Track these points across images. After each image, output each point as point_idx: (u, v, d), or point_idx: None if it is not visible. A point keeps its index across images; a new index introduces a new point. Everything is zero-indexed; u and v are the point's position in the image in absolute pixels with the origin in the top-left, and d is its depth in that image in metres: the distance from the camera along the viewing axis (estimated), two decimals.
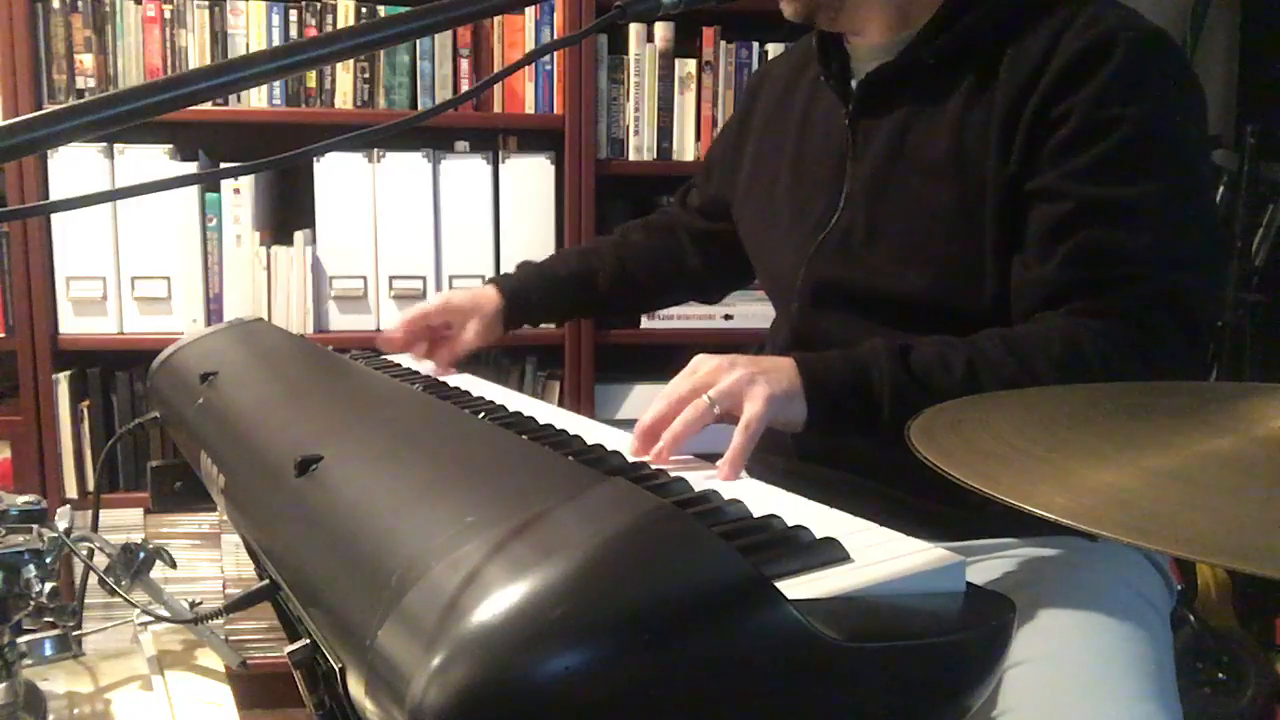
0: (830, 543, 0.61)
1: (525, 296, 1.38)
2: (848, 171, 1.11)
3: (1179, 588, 1.15)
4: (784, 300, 1.19)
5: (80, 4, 2.16)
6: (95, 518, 1.28)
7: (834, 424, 0.93)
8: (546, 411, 1.02)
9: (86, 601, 1.20)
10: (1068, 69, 0.98)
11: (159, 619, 1.22)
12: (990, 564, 1.02)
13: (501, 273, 1.44)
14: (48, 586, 1.02)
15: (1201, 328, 0.98)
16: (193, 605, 1.17)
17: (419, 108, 2.28)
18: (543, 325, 2.29)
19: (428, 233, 2.27)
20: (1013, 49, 1.02)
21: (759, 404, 0.87)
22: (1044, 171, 0.98)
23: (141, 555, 1.17)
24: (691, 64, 2.33)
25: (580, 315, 1.53)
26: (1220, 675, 2.25)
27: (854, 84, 1.13)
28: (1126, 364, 0.93)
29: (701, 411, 0.86)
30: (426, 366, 1.32)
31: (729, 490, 0.73)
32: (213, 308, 2.24)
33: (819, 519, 0.68)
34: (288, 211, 2.41)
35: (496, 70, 2.24)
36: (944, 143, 1.04)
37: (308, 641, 0.71)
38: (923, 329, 0.99)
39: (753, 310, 2.29)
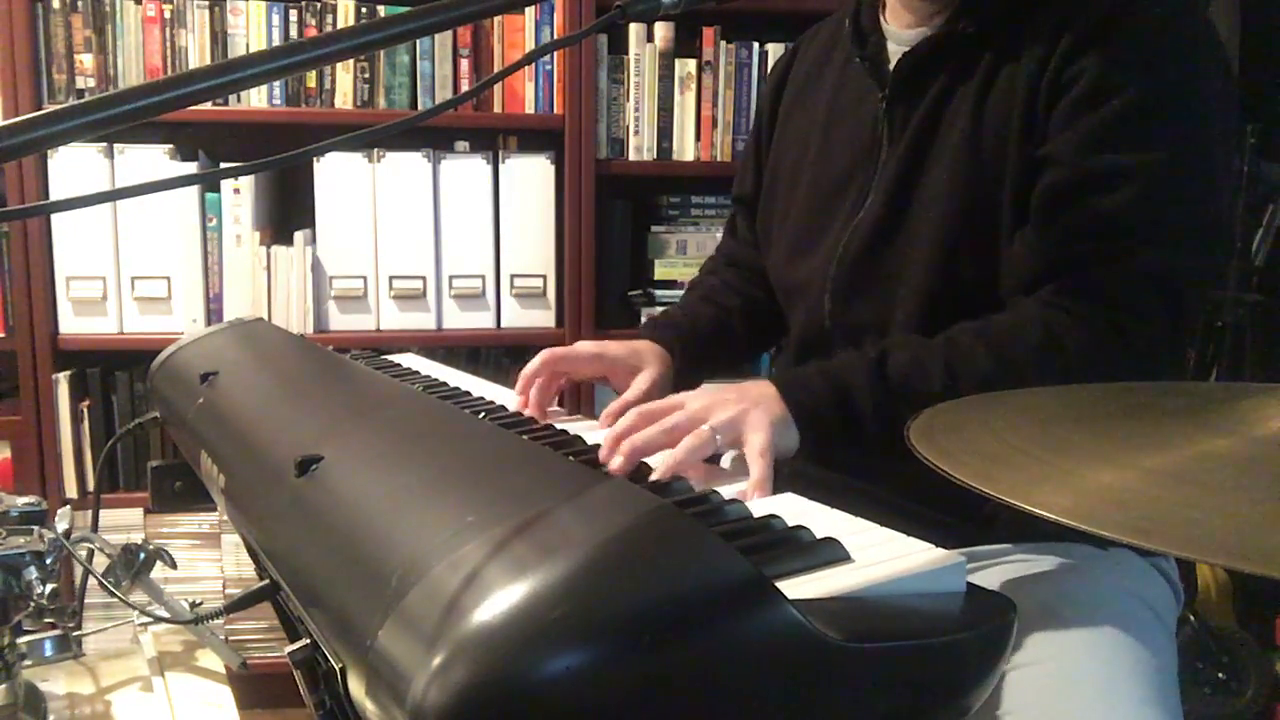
0: (830, 543, 0.61)
1: (697, 359, 1.22)
2: (881, 158, 1.09)
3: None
4: (809, 291, 1.15)
5: (80, 4, 2.16)
6: (95, 518, 1.28)
7: (821, 444, 0.94)
8: None
9: (86, 602, 1.21)
10: (1084, 33, 0.96)
11: (159, 619, 1.22)
12: (996, 570, 1.01)
13: (644, 324, 1.27)
14: (48, 587, 1.02)
15: (1189, 309, 0.97)
16: (193, 605, 1.17)
17: (419, 108, 2.28)
18: (542, 325, 2.32)
19: (428, 233, 2.27)
20: (1041, 13, 1.00)
21: (764, 431, 0.86)
22: (1050, 137, 0.97)
23: (141, 556, 1.17)
24: (691, 64, 2.33)
25: (721, 367, 1.30)
26: (1220, 675, 2.25)
27: (891, 66, 1.10)
28: (1106, 352, 0.93)
29: (705, 440, 0.84)
30: (426, 366, 1.31)
31: (728, 490, 0.73)
32: (213, 308, 2.24)
33: (819, 519, 0.68)
34: (288, 211, 2.41)
35: (496, 70, 2.24)
36: (964, 123, 1.02)
37: (308, 641, 0.71)
38: (948, 315, 0.98)
39: None
